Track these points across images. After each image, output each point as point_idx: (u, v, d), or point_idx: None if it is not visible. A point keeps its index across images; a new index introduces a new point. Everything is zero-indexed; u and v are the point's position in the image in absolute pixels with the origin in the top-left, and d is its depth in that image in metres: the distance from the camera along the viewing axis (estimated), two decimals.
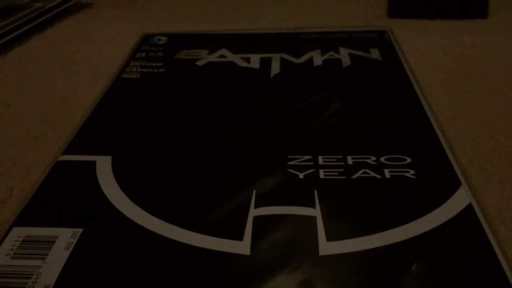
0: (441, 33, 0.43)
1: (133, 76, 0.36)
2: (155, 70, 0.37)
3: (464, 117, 0.31)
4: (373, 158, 0.26)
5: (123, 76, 0.36)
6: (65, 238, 0.22)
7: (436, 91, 0.34)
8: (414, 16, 0.46)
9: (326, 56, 0.38)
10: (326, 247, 0.21)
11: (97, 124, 0.30)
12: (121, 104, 0.32)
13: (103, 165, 0.26)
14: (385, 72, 0.35)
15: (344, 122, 0.29)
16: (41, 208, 0.24)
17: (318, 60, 0.37)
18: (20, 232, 0.22)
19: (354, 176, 0.25)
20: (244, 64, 0.37)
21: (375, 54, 0.37)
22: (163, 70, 0.37)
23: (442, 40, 0.42)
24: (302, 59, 0.37)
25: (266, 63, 0.37)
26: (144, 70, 0.37)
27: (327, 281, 0.19)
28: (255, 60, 0.37)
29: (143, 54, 0.39)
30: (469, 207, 0.22)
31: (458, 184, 0.24)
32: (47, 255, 0.21)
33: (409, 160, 0.26)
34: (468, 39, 0.42)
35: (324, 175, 0.25)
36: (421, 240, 0.21)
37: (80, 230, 0.22)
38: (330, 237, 0.21)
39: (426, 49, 0.40)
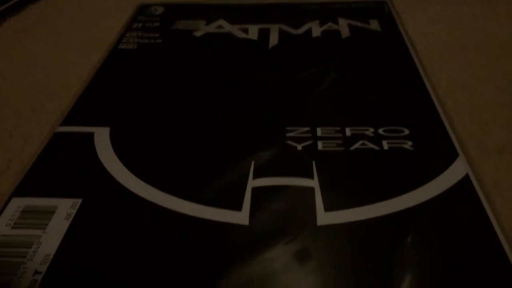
0: (441, 4, 0.42)
1: (130, 47, 0.36)
2: (152, 41, 0.36)
3: (462, 89, 0.31)
4: (372, 129, 0.26)
5: (119, 47, 0.36)
6: (65, 208, 0.22)
7: (435, 62, 0.33)
8: None
9: (325, 27, 0.37)
10: (324, 218, 0.21)
11: (94, 95, 0.30)
12: (118, 75, 0.32)
13: (101, 136, 0.26)
14: (384, 43, 0.34)
15: (343, 93, 0.29)
16: (40, 179, 0.24)
17: (316, 31, 0.37)
18: (19, 203, 0.22)
19: (352, 148, 0.25)
20: (242, 35, 0.37)
21: (374, 25, 0.37)
22: (160, 41, 0.36)
23: (442, 11, 0.41)
24: (300, 30, 0.37)
25: (264, 34, 0.37)
26: (141, 41, 0.36)
27: (325, 251, 0.20)
28: (253, 31, 0.37)
29: (140, 25, 0.39)
30: (466, 178, 0.23)
31: (456, 155, 0.24)
32: (47, 225, 0.21)
33: (407, 131, 0.26)
34: (468, 10, 0.41)
35: (323, 147, 0.25)
36: (418, 210, 0.21)
37: (80, 200, 0.22)
38: (327, 208, 0.22)
39: (426, 20, 0.40)
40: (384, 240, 0.20)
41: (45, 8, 0.46)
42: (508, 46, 0.35)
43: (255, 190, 0.23)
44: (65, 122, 0.28)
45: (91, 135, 0.26)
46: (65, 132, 0.27)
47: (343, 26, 0.37)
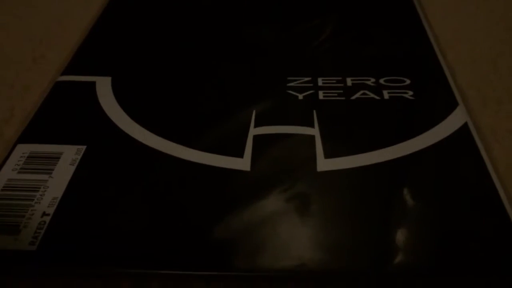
0: None
1: None
2: None
3: (465, 40, 0.30)
4: (373, 79, 0.26)
5: None
6: (70, 154, 0.22)
7: (438, 13, 0.33)
8: None
9: None
10: (324, 164, 0.21)
11: (94, 45, 0.30)
12: (118, 25, 0.32)
13: (103, 85, 0.26)
14: None
15: (344, 44, 0.29)
16: (44, 126, 0.24)
17: None
18: (24, 149, 0.22)
19: (353, 97, 0.25)
20: None
21: None
22: None
23: None
24: None
25: None
26: None
27: (325, 196, 0.20)
28: None
29: None
30: (465, 126, 0.23)
31: (455, 104, 0.24)
32: (53, 170, 0.21)
33: (408, 81, 0.26)
34: None
35: (323, 96, 0.25)
36: (417, 157, 0.22)
37: (84, 147, 0.23)
38: (327, 155, 0.22)
39: None
40: (383, 185, 0.20)
41: None
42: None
43: (256, 137, 0.23)
44: (66, 72, 0.28)
45: (93, 84, 0.27)
46: (66, 81, 0.27)
47: None
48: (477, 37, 0.31)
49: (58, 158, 0.22)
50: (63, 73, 0.28)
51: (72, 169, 0.21)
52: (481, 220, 0.19)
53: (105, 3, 0.34)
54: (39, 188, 0.20)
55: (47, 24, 0.34)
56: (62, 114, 0.25)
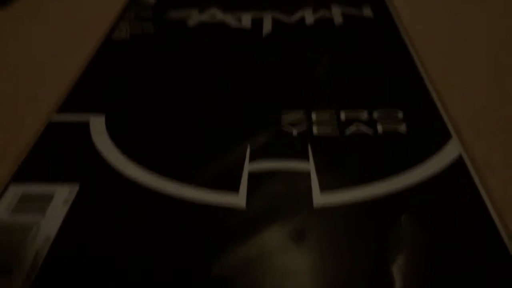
0: None
1: (123, 36, 0.35)
2: (144, 31, 0.36)
3: (455, 73, 0.31)
4: (366, 113, 0.26)
5: (112, 36, 0.36)
6: (63, 194, 0.22)
7: (428, 47, 0.34)
8: None
9: (318, 14, 0.37)
10: (320, 199, 0.21)
11: (88, 83, 0.30)
12: (111, 64, 0.32)
13: (97, 124, 0.26)
14: (377, 29, 0.35)
15: (337, 78, 0.29)
16: (37, 165, 0.24)
17: (310, 19, 0.37)
18: (17, 189, 0.22)
19: (347, 131, 0.25)
20: (235, 24, 0.37)
21: (367, 11, 0.37)
22: (153, 30, 0.36)
23: None
24: (294, 18, 0.37)
25: (257, 23, 0.37)
26: (134, 30, 0.36)
27: (321, 232, 0.20)
28: (246, 20, 0.37)
29: (132, 15, 0.39)
30: (460, 158, 0.23)
31: (449, 136, 0.24)
32: (46, 209, 0.21)
33: (401, 114, 0.26)
34: None
35: (317, 131, 0.25)
36: (413, 190, 0.21)
37: (77, 186, 0.22)
38: (323, 189, 0.22)
39: (418, 6, 0.40)
40: (379, 220, 0.20)
41: None
42: (499, 29, 0.36)
43: (251, 173, 0.23)
44: (60, 110, 0.28)
45: (86, 123, 0.26)
46: (60, 121, 0.27)
47: (336, 14, 0.37)
48: (467, 70, 0.31)
49: (52, 197, 0.22)
50: (57, 112, 0.28)
51: (65, 209, 0.21)
52: (479, 255, 0.19)
53: (99, 42, 0.35)
54: (32, 228, 0.20)
55: (42, 62, 0.34)
56: (56, 153, 0.24)
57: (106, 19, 0.40)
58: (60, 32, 0.39)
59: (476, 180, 0.22)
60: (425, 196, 0.21)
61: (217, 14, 0.38)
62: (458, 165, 0.23)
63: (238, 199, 0.21)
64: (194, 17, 0.38)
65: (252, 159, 0.24)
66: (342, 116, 0.26)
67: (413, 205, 0.21)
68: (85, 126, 0.26)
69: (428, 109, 0.26)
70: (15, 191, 0.22)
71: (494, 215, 0.20)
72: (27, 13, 0.43)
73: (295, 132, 0.25)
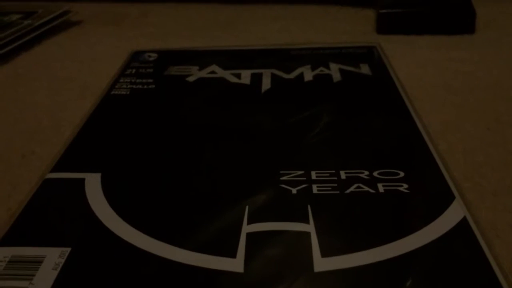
0: (429, 48, 0.43)
1: (123, 92, 0.36)
2: (145, 86, 0.36)
3: (454, 131, 0.31)
4: (366, 172, 0.26)
5: (112, 92, 0.36)
6: (53, 258, 0.21)
7: (426, 105, 0.34)
8: (402, 32, 0.47)
9: (317, 71, 0.38)
10: (321, 263, 0.21)
11: (86, 141, 0.30)
12: (110, 120, 0.32)
13: (92, 182, 0.26)
14: (375, 87, 0.35)
15: (336, 136, 0.29)
16: (28, 227, 0.23)
17: (308, 75, 0.37)
18: (6, 252, 0.21)
19: (348, 191, 0.25)
20: (234, 80, 0.37)
21: (365, 69, 0.38)
22: (153, 86, 0.36)
23: (430, 55, 0.42)
24: (292, 75, 0.37)
25: (257, 79, 0.37)
26: (134, 86, 0.36)
27: None
28: (245, 76, 0.37)
29: (133, 71, 0.39)
30: (464, 220, 0.22)
31: (452, 198, 0.24)
32: (34, 275, 0.20)
33: (402, 174, 0.26)
34: (456, 54, 0.42)
35: (317, 190, 0.25)
36: (417, 255, 0.21)
37: (68, 249, 0.21)
38: (324, 253, 0.21)
39: (415, 64, 0.40)
40: (382, 285, 0.19)
41: (38, 55, 0.46)
42: (497, 89, 0.36)
43: (249, 235, 0.22)
44: (55, 169, 0.27)
45: (82, 181, 0.26)
46: (55, 179, 0.26)
47: (335, 71, 0.38)
48: (467, 128, 0.31)
49: (41, 262, 0.21)
50: (53, 170, 0.27)
51: (54, 274, 0.20)
52: None
53: (99, 99, 0.35)
54: None
55: (40, 119, 0.34)
56: (48, 214, 0.24)
57: (106, 75, 0.40)
58: (59, 88, 0.39)
59: (482, 243, 0.21)
60: (429, 260, 0.20)
61: (217, 71, 0.39)
62: (462, 228, 0.22)
63: (236, 264, 0.21)
64: (194, 73, 0.38)
65: (250, 220, 0.23)
66: (342, 175, 0.26)
67: (417, 270, 0.20)
68: (81, 184, 0.26)
69: (429, 169, 0.26)
70: (3, 255, 0.21)
71: (501, 279, 0.20)
72: (28, 70, 0.43)
73: (294, 190, 0.25)
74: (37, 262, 0.21)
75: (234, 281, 0.20)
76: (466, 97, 0.35)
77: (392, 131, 0.29)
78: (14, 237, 0.22)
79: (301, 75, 0.37)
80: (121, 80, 0.38)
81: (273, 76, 0.37)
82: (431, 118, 0.32)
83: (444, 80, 0.38)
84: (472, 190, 0.25)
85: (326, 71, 0.38)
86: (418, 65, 0.40)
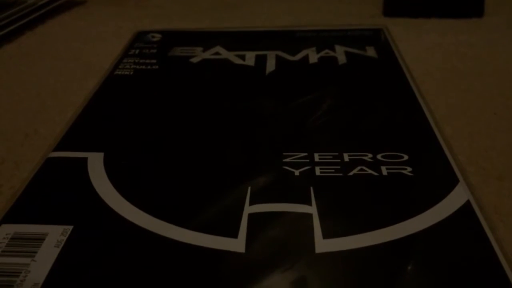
0: (437, 32, 0.43)
1: (126, 72, 0.35)
2: (148, 67, 0.36)
3: (460, 115, 0.30)
4: (370, 155, 0.26)
5: (116, 72, 0.35)
6: (55, 235, 0.21)
7: (432, 89, 0.33)
8: (409, 15, 0.46)
9: (322, 53, 0.37)
10: (323, 245, 0.20)
11: (89, 120, 0.30)
12: (113, 100, 0.32)
13: (95, 162, 0.26)
14: (381, 70, 0.34)
15: (340, 119, 0.29)
16: (31, 205, 0.23)
17: (313, 57, 0.37)
18: (8, 229, 0.21)
19: (351, 173, 0.24)
20: (239, 61, 0.37)
21: (371, 52, 0.37)
22: (157, 67, 0.36)
23: (438, 38, 0.42)
24: (297, 57, 0.37)
25: (261, 61, 0.37)
26: (138, 67, 0.36)
27: (324, 279, 0.19)
28: (250, 58, 0.37)
29: (137, 51, 0.39)
30: (467, 204, 0.22)
31: (456, 181, 0.24)
32: (36, 252, 0.20)
33: (406, 157, 0.25)
34: (464, 37, 0.41)
35: (320, 172, 0.25)
36: (419, 237, 0.21)
37: (71, 227, 0.22)
38: (326, 235, 0.21)
39: (422, 48, 0.40)
40: (384, 268, 0.19)
41: (42, 35, 0.46)
42: (505, 73, 0.35)
43: (251, 216, 0.22)
44: (58, 147, 0.27)
45: (84, 160, 0.26)
46: (58, 157, 0.26)
47: (340, 53, 0.37)
48: (473, 112, 0.31)
49: (43, 239, 0.21)
50: (55, 149, 0.27)
51: (56, 251, 0.20)
52: None
53: (102, 79, 0.35)
54: (20, 273, 0.19)
55: (43, 99, 0.34)
56: (51, 192, 0.24)
57: (110, 55, 0.40)
58: (63, 68, 0.39)
59: (485, 227, 0.21)
60: (431, 243, 0.20)
61: (221, 52, 0.38)
62: (466, 211, 0.22)
63: (237, 244, 0.21)
64: (198, 54, 0.38)
65: (252, 201, 0.23)
66: (346, 157, 0.26)
67: (419, 253, 0.20)
68: (83, 164, 0.26)
69: (434, 152, 0.26)
70: (6, 232, 0.21)
71: (504, 264, 0.19)
72: (31, 49, 0.43)
73: (297, 172, 0.25)
74: (39, 239, 0.21)
75: (236, 261, 0.20)
76: (473, 81, 0.34)
77: (397, 115, 0.29)
78: (16, 214, 0.22)
79: (306, 57, 0.37)
80: (125, 61, 0.37)
81: (278, 58, 0.37)
82: (437, 102, 0.32)
83: (451, 64, 0.37)
84: (477, 174, 0.25)
85: (331, 53, 0.37)
86: (425, 48, 0.40)
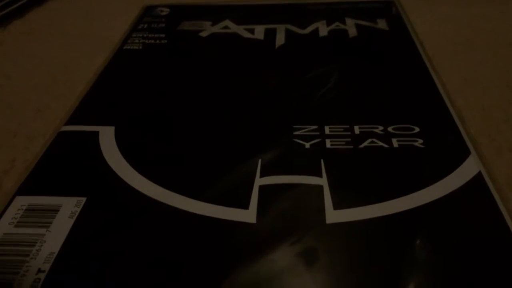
0: (449, 4, 0.42)
1: (135, 47, 0.35)
2: (157, 41, 0.36)
3: (473, 87, 0.30)
4: (381, 127, 0.26)
5: (125, 47, 0.35)
6: (69, 206, 0.21)
7: (444, 61, 0.33)
8: None
9: (332, 26, 0.37)
10: (333, 216, 0.21)
11: (99, 95, 0.30)
12: (123, 74, 0.32)
13: (106, 135, 0.26)
14: (392, 42, 0.34)
15: (351, 92, 0.29)
16: (44, 177, 0.23)
17: (323, 31, 0.36)
18: (23, 201, 0.22)
19: (361, 146, 0.24)
20: (248, 35, 0.36)
21: (382, 24, 0.37)
22: (166, 41, 0.36)
23: (450, 10, 0.41)
24: (307, 30, 0.37)
25: (270, 34, 0.36)
26: (146, 41, 0.36)
27: (334, 250, 0.19)
28: (259, 31, 0.37)
29: (145, 26, 0.39)
30: (479, 175, 0.22)
31: (468, 153, 0.23)
32: (51, 223, 0.21)
33: (417, 129, 0.25)
34: (477, 10, 0.41)
35: (331, 145, 0.25)
36: (430, 208, 0.21)
37: (84, 199, 0.22)
38: (337, 206, 0.21)
39: (434, 20, 0.39)
40: (394, 238, 0.19)
41: (50, 10, 0.46)
42: None
43: (262, 188, 0.22)
44: (70, 122, 0.27)
45: (96, 134, 0.26)
46: (70, 131, 0.26)
47: (351, 26, 0.37)
48: (486, 85, 0.30)
49: (57, 210, 0.21)
50: (67, 123, 0.27)
51: (71, 222, 0.21)
52: (499, 277, 0.18)
53: (111, 54, 0.35)
54: (36, 243, 0.20)
55: (53, 74, 0.34)
56: (64, 165, 0.24)
57: (119, 30, 0.40)
58: (72, 43, 0.39)
59: (497, 199, 0.21)
60: (442, 214, 0.20)
61: (230, 26, 0.38)
62: (477, 183, 0.22)
63: (248, 215, 0.21)
64: (207, 29, 0.38)
65: (263, 173, 0.23)
66: (356, 130, 0.25)
67: (430, 224, 0.20)
68: (95, 137, 0.26)
69: (446, 125, 0.25)
70: (21, 203, 0.22)
71: None
72: (41, 25, 0.43)
73: (307, 145, 0.25)
74: (53, 210, 0.21)
75: (247, 232, 0.20)
76: (486, 54, 0.34)
77: (408, 87, 0.29)
78: (30, 187, 0.23)
79: (316, 31, 0.36)
80: (134, 35, 0.37)
81: (288, 32, 0.36)
82: (449, 74, 0.31)
83: (464, 37, 0.36)
84: (489, 146, 0.25)
85: (342, 26, 0.37)
86: (437, 21, 0.39)
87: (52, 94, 0.32)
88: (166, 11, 0.41)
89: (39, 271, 0.18)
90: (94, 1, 0.48)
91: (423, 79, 0.30)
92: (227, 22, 0.38)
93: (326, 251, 0.19)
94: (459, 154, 0.23)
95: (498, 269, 0.18)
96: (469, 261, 0.18)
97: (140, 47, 0.35)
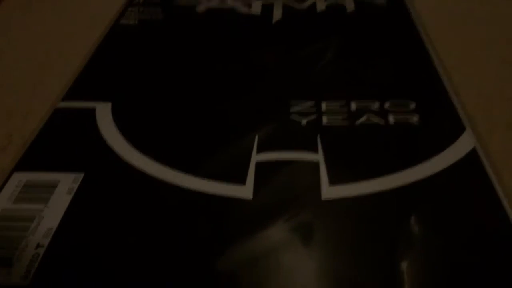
0: None
1: (131, 22, 0.35)
2: (153, 16, 0.36)
3: (470, 63, 0.30)
4: (377, 103, 0.26)
5: (120, 22, 0.35)
6: (67, 182, 0.22)
7: (442, 36, 0.33)
8: None
9: (330, 1, 0.36)
10: (329, 191, 0.21)
11: (95, 70, 0.30)
12: (119, 50, 0.32)
13: (103, 111, 0.26)
14: (390, 17, 0.34)
15: (348, 68, 0.29)
16: (41, 153, 0.23)
17: (321, 5, 0.36)
18: (21, 177, 0.22)
19: (358, 122, 0.24)
20: (245, 10, 0.36)
21: None
22: (161, 16, 0.36)
23: None
24: (304, 5, 0.36)
25: (267, 10, 0.36)
26: (142, 16, 0.36)
27: (329, 225, 0.19)
28: (256, 6, 0.36)
29: (141, 0, 0.38)
30: (474, 151, 0.22)
31: (463, 128, 0.24)
32: (49, 199, 0.21)
33: (413, 105, 0.25)
34: None
35: (327, 121, 0.25)
36: (425, 184, 0.21)
37: (82, 175, 0.22)
38: (332, 182, 0.21)
39: None
40: (389, 214, 0.20)
41: None
42: None
43: (259, 164, 0.22)
44: (66, 98, 0.27)
45: (92, 110, 0.26)
46: (66, 108, 0.26)
47: (348, 1, 0.36)
48: (482, 61, 0.30)
49: (55, 186, 0.21)
50: (63, 99, 0.27)
51: (68, 198, 0.21)
52: (493, 251, 0.18)
53: (107, 29, 0.34)
54: (34, 218, 0.20)
55: (49, 49, 0.34)
56: (61, 141, 0.24)
57: (114, 5, 0.39)
58: (68, 18, 0.39)
59: (491, 174, 0.21)
60: (437, 189, 0.21)
61: (227, 0, 0.37)
62: (472, 159, 0.22)
63: (245, 191, 0.21)
64: (204, 3, 0.37)
65: (260, 149, 0.23)
66: (353, 106, 0.25)
67: (425, 199, 0.20)
68: (91, 113, 0.26)
69: (442, 101, 0.26)
70: (18, 180, 0.22)
71: (508, 211, 0.20)
72: (35, 1, 0.42)
73: (304, 121, 0.25)
74: (51, 186, 0.21)
75: (243, 207, 0.20)
76: (485, 29, 0.34)
77: (405, 63, 0.29)
78: (28, 163, 0.23)
79: (313, 6, 0.36)
80: (129, 10, 0.37)
81: (285, 7, 0.36)
82: (446, 49, 0.31)
83: (462, 11, 0.36)
84: (484, 122, 0.25)
85: (339, 1, 0.36)
86: None
87: (48, 69, 0.32)
88: None
89: (38, 246, 0.19)
90: None
91: (420, 54, 0.29)
92: None
93: (321, 226, 0.19)
94: (455, 129, 0.24)
95: (492, 241, 0.18)
96: (464, 234, 0.19)
97: (136, 22, 0.35)
